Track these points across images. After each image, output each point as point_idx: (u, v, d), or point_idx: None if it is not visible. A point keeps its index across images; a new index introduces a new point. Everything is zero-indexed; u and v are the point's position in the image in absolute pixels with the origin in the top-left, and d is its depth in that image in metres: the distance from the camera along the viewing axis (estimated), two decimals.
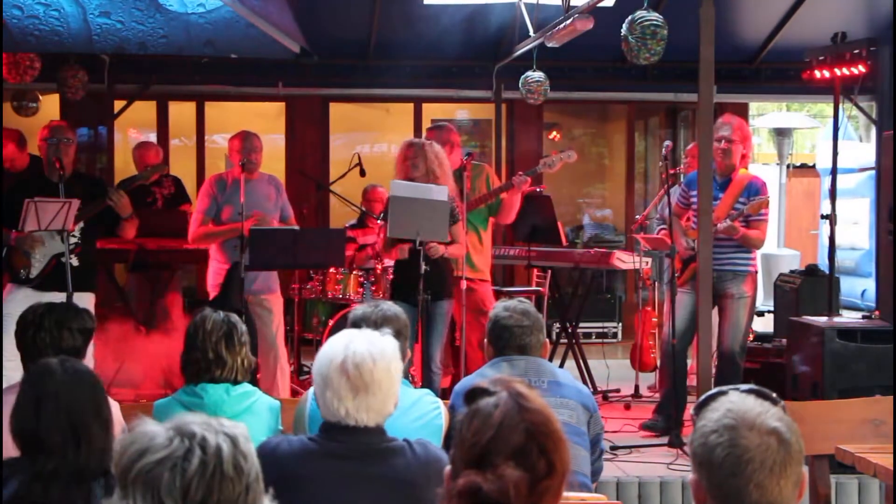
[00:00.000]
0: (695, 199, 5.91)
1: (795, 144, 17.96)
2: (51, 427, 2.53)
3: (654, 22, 5.69)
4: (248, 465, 1.64)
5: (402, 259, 5.77)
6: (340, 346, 2.62)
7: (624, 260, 7.58)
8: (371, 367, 2.57)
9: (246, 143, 6.18)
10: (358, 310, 3.51)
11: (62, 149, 5.68)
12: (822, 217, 7.48)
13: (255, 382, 3.54)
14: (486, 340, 3.74)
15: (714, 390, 1.94)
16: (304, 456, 2.61)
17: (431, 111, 10.38)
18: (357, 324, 3.32)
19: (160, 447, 1.59)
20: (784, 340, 6.55)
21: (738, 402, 1.85)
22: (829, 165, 7.31)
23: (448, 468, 1.84)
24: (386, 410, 2.64)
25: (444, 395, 4.21)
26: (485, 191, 6.48)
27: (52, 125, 5.88)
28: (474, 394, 1.85)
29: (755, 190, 6.14)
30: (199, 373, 3.37)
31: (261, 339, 6.26)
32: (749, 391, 1.92)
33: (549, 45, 6.81)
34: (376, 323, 3.40)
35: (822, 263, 9.08)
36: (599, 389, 7.35)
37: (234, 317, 3.47)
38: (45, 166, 5.81)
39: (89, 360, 3.68)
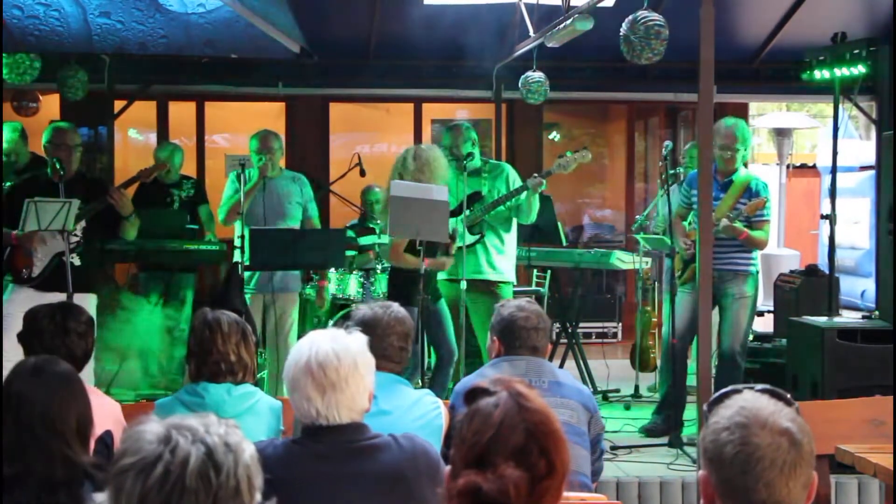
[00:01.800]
0: (696, 199, 5.90)
1: (795, 144, 17.92)
2: (9, 432, 2.45)
3: (657, 22, 5.69)
4: (223, 478, 1.50)
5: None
6: (305, 347, 2.62)
7: (624, 260, 7.58)
8: (335, 364, 2.56)
9: (260, 144, 6.33)
10: (366, 311, 3.46)
11: (65, 153, 5.66)
12: (822, 217, 7.47)
13: (256, 382, 3.53)
14: (494, 338, 3.73)
15: (729, 388, 1.92)
16: (290, 459, 2.60)
17: (431, 111, 10.37)
18: (367, 325, 3.28)
19: (138, 450, 1.51)
20: (784, 340, 6.55)
21: (751, 400, 1.85)
22: (830, 164, 7.30)
23: (448, 468, 1.84)
24: (358, 406, 2.62)
25: None
26: (504, 191, 6.46)
27: (57, 129, 5.82)
28: (474, 394, 1.85)
29: (756, 191, 6.15)
30: (219, 375, 3.32)
31: (275, 335, 6.28)
32: (764, 391, 1.91)
33: (549, 45, 6.80)
34: (389, 325, 3.39)
35: (822, 263, 9.07)
36: (599, 389, 7.35)
37: (238, 317, 3.46)
38: (47, 167, 5.81)
39: (90, 361, 3.67)
